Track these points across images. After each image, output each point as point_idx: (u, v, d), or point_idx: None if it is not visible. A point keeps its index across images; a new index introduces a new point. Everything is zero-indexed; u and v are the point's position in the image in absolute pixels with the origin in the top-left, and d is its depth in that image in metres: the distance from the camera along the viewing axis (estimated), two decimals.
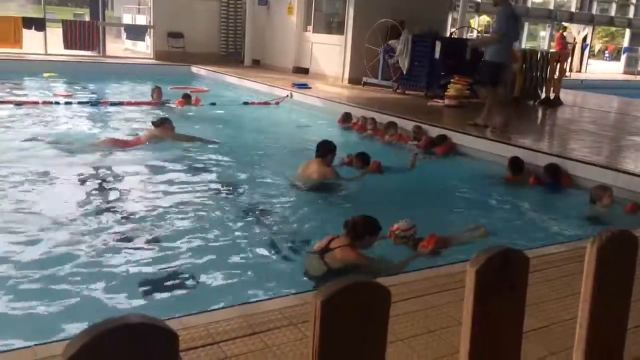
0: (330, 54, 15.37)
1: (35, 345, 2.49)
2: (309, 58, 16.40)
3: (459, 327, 2.82)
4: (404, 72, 13.16)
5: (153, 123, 7.90)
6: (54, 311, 3.38)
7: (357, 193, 6.29)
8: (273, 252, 4.52)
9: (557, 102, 13.06)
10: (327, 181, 6.30)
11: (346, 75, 14.83)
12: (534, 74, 13.03)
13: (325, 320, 0.87)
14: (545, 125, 11.43)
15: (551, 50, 20.92)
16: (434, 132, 8.69)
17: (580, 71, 27.48)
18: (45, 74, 13.83)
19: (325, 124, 10.25)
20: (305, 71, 16.30)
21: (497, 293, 1.15)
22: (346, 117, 9.98)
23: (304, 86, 13.12)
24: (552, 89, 13.26)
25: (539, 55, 13.33)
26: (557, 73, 13.26)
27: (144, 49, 19.33)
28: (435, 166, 7.75)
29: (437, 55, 12.45)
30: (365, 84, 14.13)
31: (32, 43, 15.81)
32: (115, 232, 4.59)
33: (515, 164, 7.08)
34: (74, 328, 3.09)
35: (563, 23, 27.25)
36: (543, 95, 13.23)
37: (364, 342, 0.92)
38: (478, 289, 1.11)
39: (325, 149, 6.43)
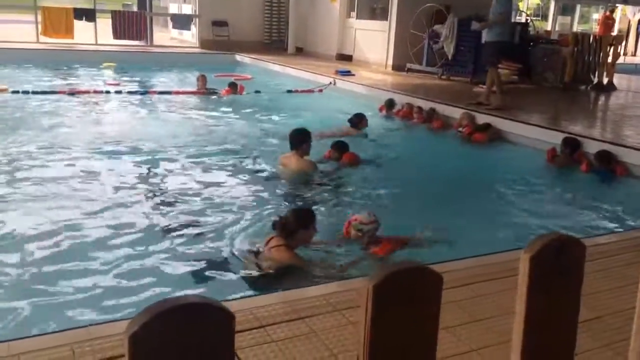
0: (374, 40, 15.23)
1: (90, 325, 2.60)
2: (352, 45, 16.29)
3: (506, 316, 2.80)
4: (449, 58, 12.93)
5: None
6: (105, 292, 3.48)
7: (353, 186, 5.91)
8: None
9: (610, 87, 12.59)
10: (307, 175, 5.87)
11: (390, 62, 14.67)
12: (586, 57, 12.57)
13: (377, 305, 0.87)
14: (598, 111, 11.03)
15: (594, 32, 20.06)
16: (481, 118, 8.52)
17: (635, 55, 26.35)
18: (104, 64, 14.21)
19: (369, 112, 10.18)
20: (348, 58, 16.20)
21: (553, 281, 1.12)
22: (390, 104, 9.87)
23: (347, 73, 13.06)
24: (605, 73, 12.78)
25: (591, 39, 12.84)
26: (610, 57, 12.76)
27: (189, 38, 19.61)
28: (477, 154, 7.62)
29: (484, 39, 12.16)
30: (409, 70, 13.94)
31: (83, 34, 16.26)
32: (163, 217, 4.69)
33: (570, 142, 6.90)
34: (126, 307, 3.20)
35: (617, 5, 26.13)
36: (595, 80, 12.77)
37: (416, 327, 0.92)
38: (532, 277, 1.09)
39: (298, 139, 5.92)
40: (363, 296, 0.92)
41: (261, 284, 3.61)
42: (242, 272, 3.76)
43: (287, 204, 5.25)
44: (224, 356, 0.84)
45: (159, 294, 3.46)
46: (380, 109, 9.87)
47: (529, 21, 16.20)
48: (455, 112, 8.93)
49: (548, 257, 1.09)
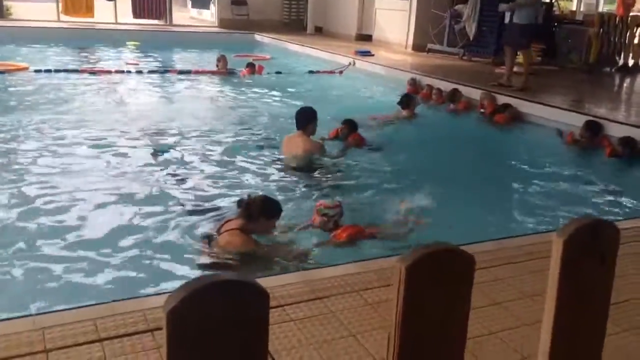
0: (395, 20, 15.03)
1: (113, 301, 2.64)
2: (372, 24, 16.11)
3: (525, 299, 2.78)
4: (471, 38, 12.72)
5: None
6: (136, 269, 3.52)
7: (363, 169, 5.75)
8: None
9: (636, 69, 12.30)
10: (313, 156, 5.69)
11: (410, 42, 14.49)
12: (612, 39, 12.28)
13: (409, 285, 0.87)
14: (623, 93, 10.80)
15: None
16: (502, 100, 8.40)
17: None
18: (129, 43, 14.27)
19: (389, 92, 10.10)
20: (368, 38, 16.04)
21: (586, 265, 1.10)
22: (413, 83, 9.78)
23: (366, 53, 12.93)
24: (631, 55, 12.48)
25: (617, 19, 12.53)
26: (637, 38, 12.45)
27: (208, 17, 19.57)
28: (496, 135, 7.53)
29: (507, 20, 11.93)
30: (429, 50, 13.77)
31: (103, 13, 16.31)
32: (177, 196, 4.74)
33: (591, 126, 6.78)
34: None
35: None
36: (621, 62, 12.49)
37: (447, 307, 0.92)
38: (565, 260, 1.07)
39: (305, 119, 5.73)
40: (395, 277, 0.92)
41: (209, 268, 3.43)
42: (198, 261, 3.57)
43: (289, 185, 5.18)
44: (259, 333, 0.85)
45: (178, 272, 3.50)
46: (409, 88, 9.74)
47: (553, 1, 15.85)
48: (475, 93, 8.81)
49: (582, 240, 1.08)
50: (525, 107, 8.10)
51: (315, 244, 3.84)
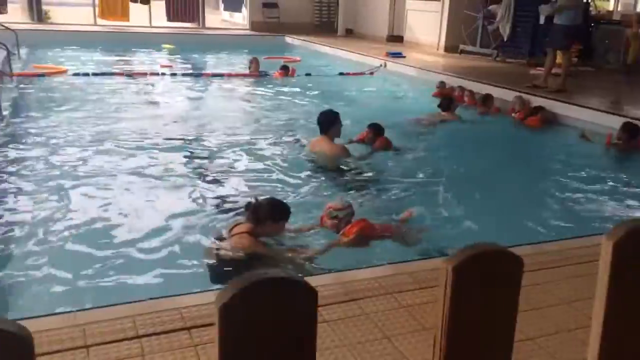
0: (426, 21, 14.93)
1: (150, 299, 2.68)
2: (403, 26, 16.04)
3: (562, 305, 2.73)
4: (505, 39, 12.55)
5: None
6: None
7: (389, 173, 5.65)
8: None
9: None
10: (338, 159, 5.64)
11: (442, 43, 14.37)
12: None
13: (456, 286, 0.87)
14: None
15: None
16: (537, 102, 8.26)
17: None
18: (164, 46, 14.53)
19: (420, 94, 10.04)
20: (399, 39, 15.96)
21: (636, 269, 1.08)
22: (441, 85, 9.70)
23: (398, 55, 12.87)
24: None
25: None
26: None
27: (240, 20, 19.75)
28: (529, 138, 7.40)
29: (542, 20, 11.73)
30: (462, 52, 13.63)
31: (137, 16, 16.62)
32: (205, 196, 4.79)
33: (629, 128, 6.62)
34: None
35: None
36: None
37: (494, 309, 0.91)
38: (615, 264, 1.05)
39: (327, 122, 5.67)
40: (442, 277, 0.92)
41: (217, 274, 3.44)
42: (206, 261, 3.57)
43: (316, 187, 5.17)
44: (308, 330, 0.86)
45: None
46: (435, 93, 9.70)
47: (589, 1, 15.51)
48: (509, 95, 8.68)
49: (633, 243, 1.05)
50: (560, 109, 7.95)
51: (325, 244, 3.78)
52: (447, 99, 8.17)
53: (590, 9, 13.94)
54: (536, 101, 8.25)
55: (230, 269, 3.42)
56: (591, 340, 1.10)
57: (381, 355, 2.32)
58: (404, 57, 12.80)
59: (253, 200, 3.74)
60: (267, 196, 3.97)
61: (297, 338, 0.86)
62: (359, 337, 2.42)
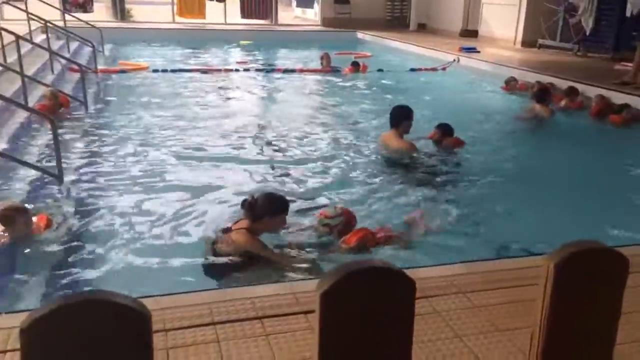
0: (503, 14, 14.47)
1: (226, 288, 2.74)
2: (478, 20, 15.62)
3: None
4: (587, 33, 11.97)
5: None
6: None
7: (456, 171, 5.48)
8: None
9: None
10: (405, 155, 5.54)
11: (519, 38, 13.89)
12: None
13: (557, 283, 0.84)
14: None
15: None
16: (623, 99, 7.82)
17: None
18: (242, 42, 14.90)
19: (494, 91, 9.75)
20: (474, 34, 15.56)
21: None
22: (510, 81, 9.37)
23: (472, 50, 12.56)
24: None
25: None
26: None
27: (312, 16, 19.91)
28: (610, 137, 7.01)
29: (628, 12, 11.09)
30: (540, 46, 13.13)
31: (213, 14, 17.10)
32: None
33: None
34: None
35: None
36: None
37: (596, 308, 0.87)
38: None
39: (397, 117, 5.57)
40: (542, 274, 0.89)
41: (213, 271, 3.41)
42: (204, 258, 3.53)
43: (383, 182, 5.12)
44: (405, 319, 0.86)
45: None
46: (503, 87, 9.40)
47: None
48: (592, 91, 8.27)
49: None
50: None
51: (324, 250, 3.63)
52: (543, 90, 7.82)
53: None
54: (623, 98, 7.81)
55: (224, 264, 3.39)
56: None
57: (453, 355, 2.28)
58: (479, 52, 12.48)
59: (248, 197, 3.61)
60: (262, 192, 3.87)
61: (394, 326, 0.87)
62: (430, 335, 2.39)
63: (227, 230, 3.57)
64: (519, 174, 5.45)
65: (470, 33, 15.68)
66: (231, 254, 3.42)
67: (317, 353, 0.88)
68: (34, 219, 3.73)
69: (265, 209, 3.52)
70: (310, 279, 3.08)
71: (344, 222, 3.74)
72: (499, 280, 2.85)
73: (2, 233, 3.59)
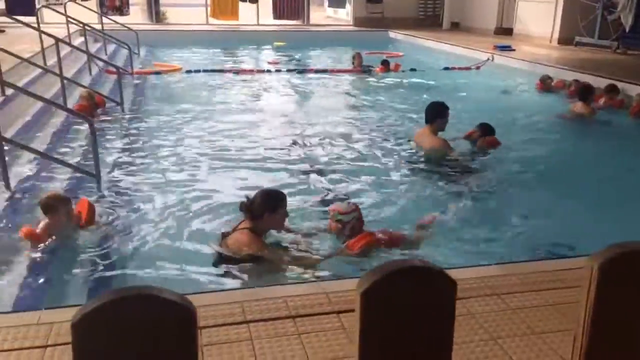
0: (539, 12, 14.19)
1: (257, 287, 2.76)
2: (513, 18, 15.36)
3: None
4: (627, 30, 11.65)
5: None
6: None
7: (492, 171, 5.38)
8: None
9: None
10: (438, 153, 5.47)
11: (556, 35, 13.60)
12: None
13: (601, 284, 0.82)
14: None
15: None
16: None
17: None
18: (275, 43, 15.01)
19: (529, 89, 9.57)
20: (508, 32, 15.32)
21: None
22: (544, 79, 9.17)
23: (506, 48, 12.36)
24: None
25: None
26: None
27: (344, 15, 19.89)
28: None
29: None
30: (577, 44, 12.83)
31: (246, 15, 17.25)
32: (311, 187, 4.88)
33: None
34: None
35: None
36: None
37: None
38: None
39: (432, 113, 5.51)
40: (586, 275, 0.87)
41: (217, 271, 3.37)
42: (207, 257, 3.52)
43: (418, 179, 5.09)
44: (446, 320, 0.85)
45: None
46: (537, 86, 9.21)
47: None
48: (632, 90, 8.03)
49: None
50: None
51: (327, 253, 3.55)
52: (587, 88, 7.63)
53: None
54: None
55: (226, 264, 3.37)
56: None
57: (487, 357, 2.24)
58: (513, 50, 12.27)
59: (244, 199, 3.58)
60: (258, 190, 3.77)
61: (435, 327, 0.86)
62: (464, 337, 2.36)
63: (228, 234, 3.54)
64: (556, 174, 5.33)
65: (505, 31, 15.44)
66: (231, 253, 3.39)
67: (357, 353, 0.88)
68: (76, 210, 3.81)
69: (264, 206, 3.47)
70: (343, 278, 3.08)
71: (357, 218, 3.66)
72: (535, 282, 2.80)
73: (44, 222, 3.64)
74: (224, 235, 3.55)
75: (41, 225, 3.61)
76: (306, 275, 3.30)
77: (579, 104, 7.37)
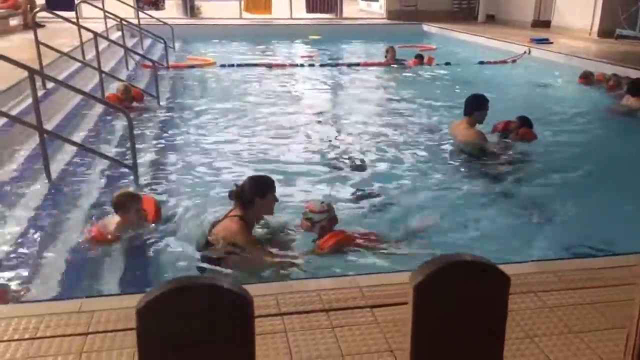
0: (578, 3, 13.84)
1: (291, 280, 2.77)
2: (551, 9, 15.02)
3: None
4: None
5: None
6: None
7: (527, 165, 5.31)
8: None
9: None
10: (472, 145, 5.39)
11: (595, 28, 13.25)
12: None
13: None
14: None
15: None
16: None
17: None
18: (311, 37, 15.05)
19: (567, 83, 9.36)
20: (546, 25, 14.98)
21: None
22: (586, 75, 8.92)
23: (544, 41, 12.10)
24: None
25: None
26: None
27: (377, 9, 19.77)
28: None
29: None
30: (618, 36, 12.47)
31: (279, 9, 17.31)
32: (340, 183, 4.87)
33: None
34: None
35: None
36: None
37: None
38: None
39: (471, 105, 5.43)
40: (637, 274, 0.85)
41: (206, 262, 3.34)
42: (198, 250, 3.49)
43: (447, 172, 5.05)
44: (499, 315, 0.85)
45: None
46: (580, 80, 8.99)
47: None
48: None
49: None
50: None
51: (299, 252, 3.50)
52: (638, 82, 7.41)
53: None
54: None
55: (213, 253, 3.35)
56: None
57: (523, 355, 2.22)
58: (551, 43, 12.01)
59: (233, 187, 3.55)
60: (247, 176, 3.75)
61: (488, 322, 0.86)
62: None
63: (218, 222, 3.52)
64: (597, 170, 5.21)
65: (542, 23, 15.11)
66: (219, 242, 3.35)
67: (409, 345, 0.88)
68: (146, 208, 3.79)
69: (254, 192, 3.45)
70: (377, 273, 3.07)
71: (328, 218, 3.61)
72: (572, 280, 2.75)
73: (114, 221, 3.67)
74: (214, 225, 3.52)
75: (112, 225, 3.63)
76: (281, 274, 3.27)
77: (631, 98, 7.16)
